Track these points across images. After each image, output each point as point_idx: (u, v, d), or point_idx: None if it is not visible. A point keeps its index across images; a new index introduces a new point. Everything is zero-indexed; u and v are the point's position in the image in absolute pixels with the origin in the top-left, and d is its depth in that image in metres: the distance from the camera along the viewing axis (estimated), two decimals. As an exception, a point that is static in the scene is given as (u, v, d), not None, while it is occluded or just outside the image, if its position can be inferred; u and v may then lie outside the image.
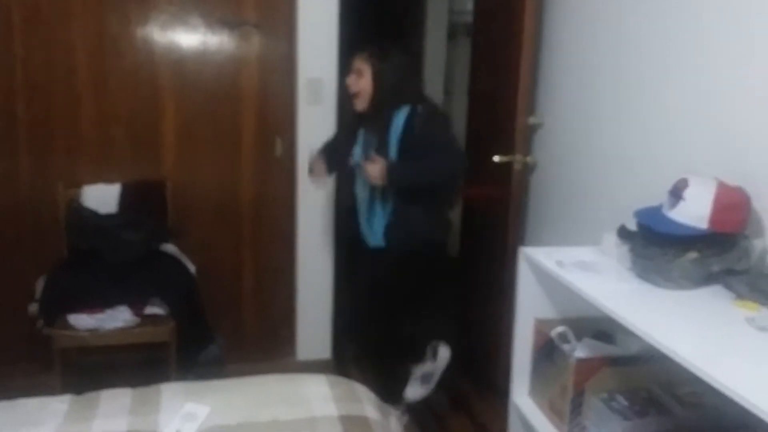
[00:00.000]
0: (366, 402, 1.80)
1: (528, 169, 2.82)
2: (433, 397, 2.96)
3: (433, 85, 4.69)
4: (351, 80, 2.45)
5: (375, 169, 2.34)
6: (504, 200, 2.83)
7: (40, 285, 2.57)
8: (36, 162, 2.81)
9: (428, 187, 2.45)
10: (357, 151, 2.53)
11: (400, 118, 2.41)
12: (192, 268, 2.82)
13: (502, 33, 2.83)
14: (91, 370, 2.77)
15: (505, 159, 2.76)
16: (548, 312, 1.95)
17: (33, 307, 2.57)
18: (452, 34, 4.86)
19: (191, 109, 2.93)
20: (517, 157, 2.73)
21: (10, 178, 2.79)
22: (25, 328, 2.69)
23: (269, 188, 3.09)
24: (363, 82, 2.42)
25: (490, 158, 2.80)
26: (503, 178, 2.81)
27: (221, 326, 3.00)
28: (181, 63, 2.88)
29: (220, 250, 3.09)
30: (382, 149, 2.40)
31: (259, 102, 2.99)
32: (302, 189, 3.08)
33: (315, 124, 3.00)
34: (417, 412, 2.84)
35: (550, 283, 1.87)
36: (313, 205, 3.11)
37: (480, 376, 3.14)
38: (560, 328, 1.85)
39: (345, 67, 3.01)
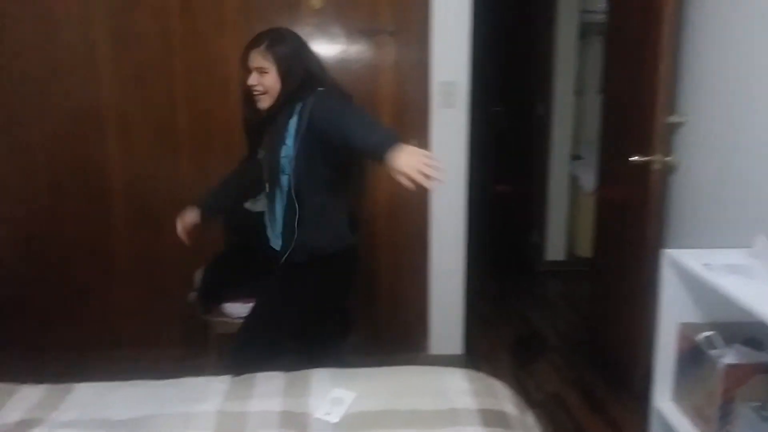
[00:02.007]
0: (504, 398, 1.83)
1: (669, 169, 2.74)
2: (567, 397, 2.96)
3: (563, 85, 4.64)
4: (254, 80, 2.19)
5: None
6: (642, 201, 2.76)
7: (198, 276, 2.79)
8: (195, 164, 3.07)
9: None
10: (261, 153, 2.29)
11: (299, 106, 2.18)
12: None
13: (640, 29, 2.76)
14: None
15: (643, 159, 2.70)
16: (693, 316, 1.90)
17: (192, 296, 2.79)
18: (583, 33, 4.78)
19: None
20: (656, 158, 2.66)
21: (172, 180, 3.07)
22: (185, 315, 2.95)
23: (403, 188, 3.16)
24: (268, 79, 2.17)
25: (626, 158, 2.75)
26: (641, 178, 2.75)
27: (358, 319, 3.13)
28: (322, 72, 3.04)
29: (358, 246, 3.22)
30: (278, 144, 2.18)
31: (395, 106, 3.10)
32: (435, 190, 3.15)
33: (448, 125, 3.08)
34: (551, 412, 2.85)
35: (695, 286, 1.83)
36: (446, 204, 3.18)
37: (616, 378, 3.08)
38: (707, 333, 1.80)
39: (475, 69, 3.07)
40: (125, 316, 3.20)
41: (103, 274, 3.16)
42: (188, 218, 2.45)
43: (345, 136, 1.96)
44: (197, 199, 2.47)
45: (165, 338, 3.19)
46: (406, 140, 3.05)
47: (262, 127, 2.26)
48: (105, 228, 3.12)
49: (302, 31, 2.94)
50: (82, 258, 3.14)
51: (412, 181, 1.78)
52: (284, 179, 2.20)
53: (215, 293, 2.64)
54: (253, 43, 2.20)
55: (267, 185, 2.29)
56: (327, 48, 3.02)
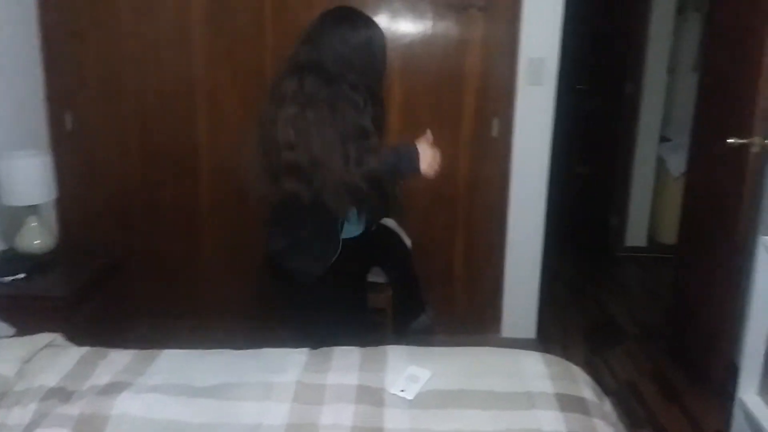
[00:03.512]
0: (582, 383, 1.80)
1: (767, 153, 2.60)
2: (642, 386, 2.89)
3: (656, 62, 4.47)
4: None
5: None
6: (737, 186, 2.63)
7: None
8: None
9: None
10: None
11: None
12: (408, 242, 2.97)
13: (746, 4, 2.62)
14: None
15: (740, 142, 2.57)
16: (788, 308, 1.82)
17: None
18: (681, 8, 4.56)
19: (416, 92, 3.05)
20: (755, 140, 2.52)
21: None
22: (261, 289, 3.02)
23: (484, 168, 3.15)
24: None
25: (722, 140, 2.62)
26: (737, 162, 2.62)
27: (431, 299, 3.12)
28: (409, 48, 3.00)
29: (435, 226, 3.21)
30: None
31: (480, 83, 3.05)
32: (516, 170, 3.11)
33: (534, 104, 3.01)
34: (625, 400, 2.79)
35: (793, 277, 1.74)
36: (525, 186, 3.13)
37: (695, 369, 2.98)
38: (804, 327, 1.72)
39: (563, 46, 2.99)
40: (210, 285, 3.31)
41: (190, 244, 3.28)
42: None
43: None
44: None
45: (246, 310, 3.26)
46: (489, 119, 3.07)
47: None
48: (193, 201, 3.22)
49: (390, 6, 2.96)
50: (171, 228, 3.26)
51: None
52: None
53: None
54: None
55: None
56: (414, 24, 3.00)
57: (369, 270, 2.51)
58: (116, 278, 2.83)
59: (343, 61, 2.01)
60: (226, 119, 3.10)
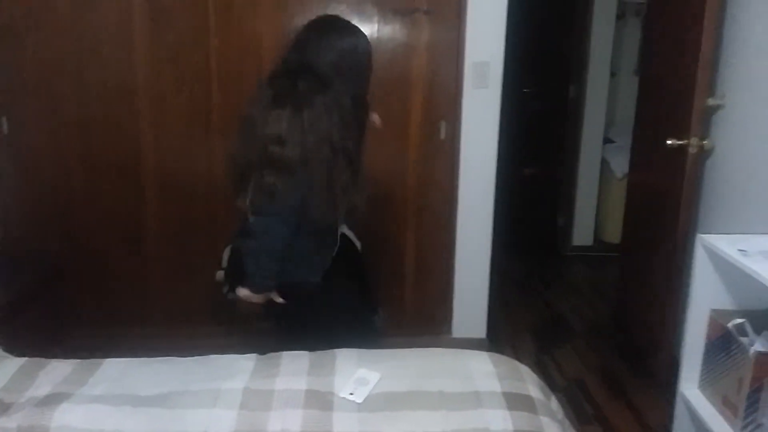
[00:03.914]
0: (529, 381, 1.82)
1: (704, 153, 2.68)
2: (589, 382, 2.95)
3: (598, 66, 4.58)
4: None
5: None
6: (677, 185, 2.71)
7: (226, 255, 2.82)
8: (227, 143, 3.07)
9: None
10: None
11: None
12: (358, 244, 2.96)
13: (681, 9, 2.71)
14: (267, 333, 3.02)
15: (679, 143, 2.65)
16: (725, 303, 1.88)
17: (219, 275, 2.81)
18: (621, 14, 4.69)
19: (364, 95, 3.06)
20: (693, 141, 2.61)
21: (205, 158, 3.07)
22: (212, 294, 2.98)
23: (432, 171, 3.17)
24: None
25: (661, 141, 2.70)
26: (676, 162, 2.70)
27: (382, 301, 3.13)
28: (355, 51, 3.01)
29: (385, 229, 3.22)
30: None
31: (426, 87, 3.06)
32: (464, 172, 3.14)
33: (480, 107, 3.04)
34: (573, 397, 2.84)
35: (729, 272, 1.80)
36: (474, 188, 3.15)
37: (640, 365, 3.07)
38: (738, 320, 1.77)
39: (508, 49, 3.03)
40: (155, 293, 3.24)
41: (134, 251, 3.20)
42: None
43: None
44: None
45: (194, 316, 3.22)
46: (437, 122, 3.09)
47: None
48: (137, 206, 3.15)
49: (336, 9, 2.95)
50: (114, 235, 3.17)
51: None
52: None
53: (241, 272, 2.66)
54: None
55: None
56: (360, 28, 2.98)
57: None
58: (56, 286, 2.75)
59: (331, 67, 2.04)
60: (170, 123, 3.04)
